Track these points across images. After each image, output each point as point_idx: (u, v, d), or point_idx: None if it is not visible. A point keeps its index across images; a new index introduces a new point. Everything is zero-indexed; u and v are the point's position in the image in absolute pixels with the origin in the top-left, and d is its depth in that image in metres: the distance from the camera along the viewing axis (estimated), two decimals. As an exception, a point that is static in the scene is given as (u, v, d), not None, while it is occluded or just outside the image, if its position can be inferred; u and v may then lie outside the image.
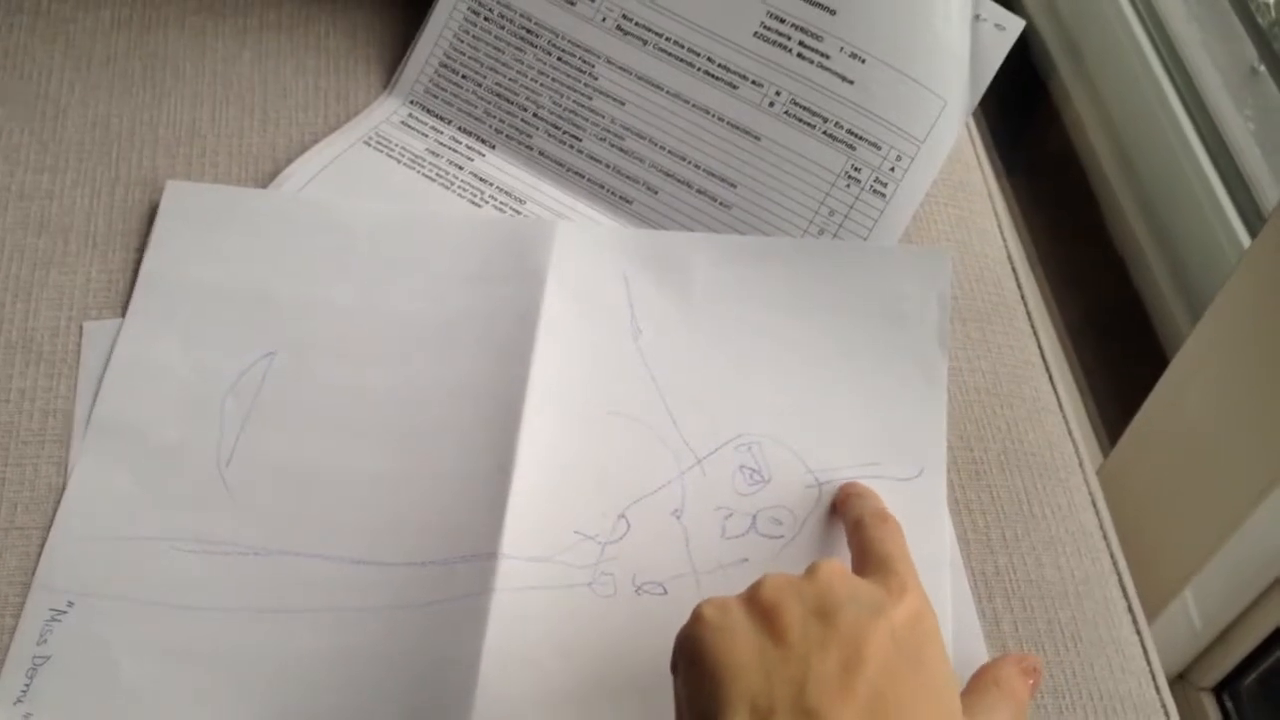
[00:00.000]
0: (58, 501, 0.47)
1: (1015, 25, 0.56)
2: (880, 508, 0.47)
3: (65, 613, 0.45)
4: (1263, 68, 0.89)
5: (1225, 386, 0.76)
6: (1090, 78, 1.04)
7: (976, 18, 0.56)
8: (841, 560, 0.41)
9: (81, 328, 0.51)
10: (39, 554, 0.46)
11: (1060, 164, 1.07)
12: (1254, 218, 0.86)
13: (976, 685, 0.43)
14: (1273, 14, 0.90)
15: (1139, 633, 0.51)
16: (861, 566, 0.42)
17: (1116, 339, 0.99)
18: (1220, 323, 0.76)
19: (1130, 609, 0.51)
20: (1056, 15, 1.08)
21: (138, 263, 0.53)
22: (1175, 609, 0.84)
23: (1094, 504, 0.53)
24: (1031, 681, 0.44)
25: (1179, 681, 0.86)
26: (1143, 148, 0.97)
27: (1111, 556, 0.52)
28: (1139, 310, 0.97)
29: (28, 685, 0.44)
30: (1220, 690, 0.86)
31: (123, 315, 0.52)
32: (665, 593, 0.47)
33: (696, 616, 0.39)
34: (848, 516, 0.47)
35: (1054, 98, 1.08)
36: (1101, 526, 0.53)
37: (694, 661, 0.38)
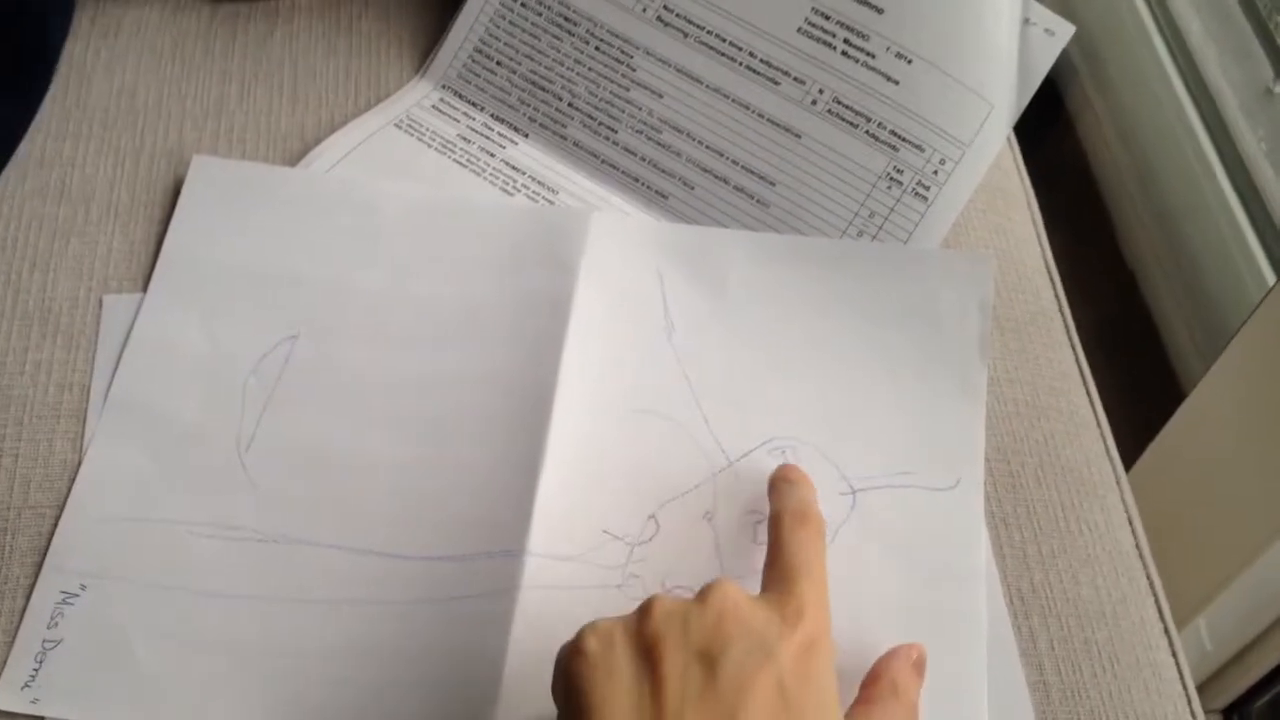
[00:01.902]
0: (72, 479, 0.46)
1: (1065, 31, 0.55)
2: (802, 504, 0.43)
3: (78, 596, 0.44)
4: (1279, 89, 0.88)
5: (1242, 424, 0.75)
6: (1108, 90, 1.03)
7: (1026, 21, 0.55)
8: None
9: (101, 300, 0.50)
10: (51, 534, 0.45)
11: (1074, 174, 1.06)
12: (1269, 234, 0.86)
13: (874, 693, 0.41)
14: (1292, 35, 0.89)
15: (1174, 655, 0.50)
16: (767, 572, 0.41)
17: (1125, 352, 0.98)
18: (1240, 361, 0.75)
19: (1166, 631, 0.50)
20: (1076, 25, 1.07)
21: (160, 235, 0.52)
22: (1187, 630, 0.83)
23: (1130, 522, 0.52)
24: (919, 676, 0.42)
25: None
26: (1158, 161, 0.97)
27: (1148, 577, 0.51)
28: (1148, 324, 0.96)
29: (36, 670, 0.42)
30: (1230, 713, 0.85)
31: (144, 289, 0.50)
32: (695, 597, 0.46)
33: (577, 649, 0.37)
34: (771, 508, 0.44)
35: (1069, 107, 1.08)
36: (1138, 546, 0.52)
37: (569, 697, 0.36)
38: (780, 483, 0.45)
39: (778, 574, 0.40)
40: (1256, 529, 0.76)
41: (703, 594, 0.37)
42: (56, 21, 0.54)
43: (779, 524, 0.42)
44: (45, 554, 0.44)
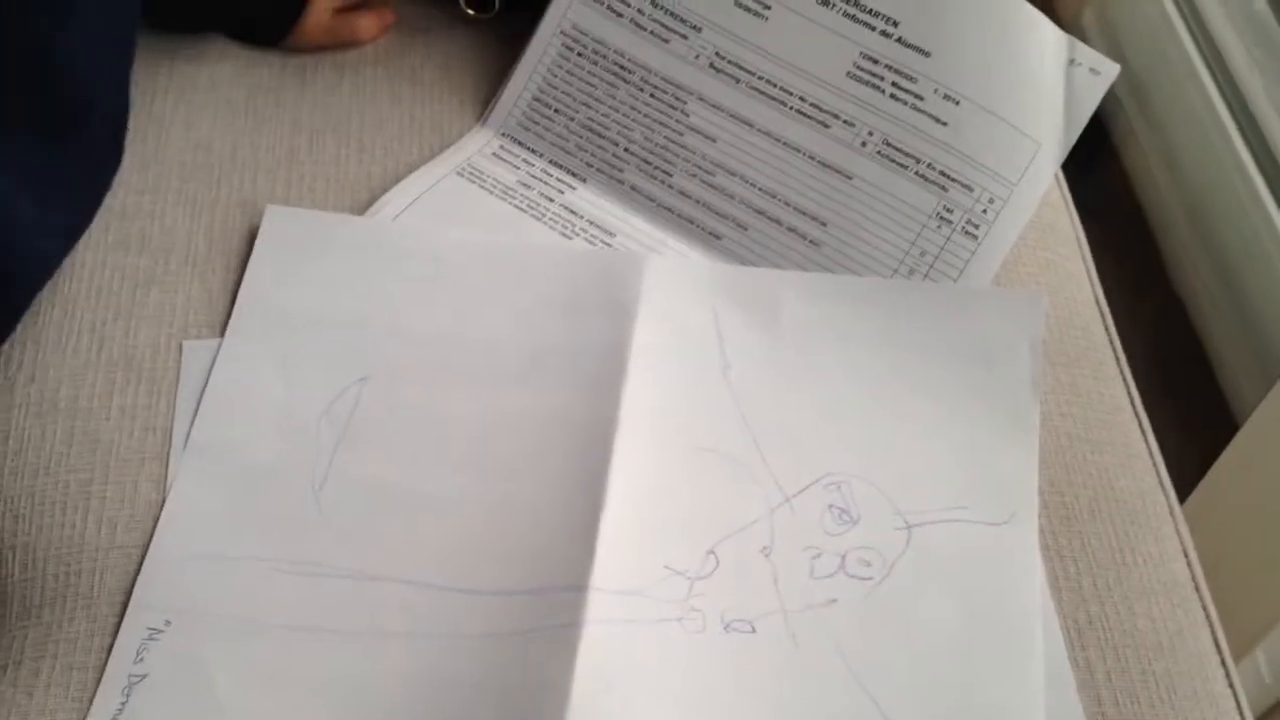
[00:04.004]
0: (156, 519, 0.48)
1: (1110, 70, 0.56)
2: None
3: (162, 631, 0.45)
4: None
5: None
6: (1154, 120, 1.04)
7: (1071, 62, 0.56)
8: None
9: (181, 346, 0.52)
10: (137, 573, 0.46)
11: (1122, 205, 1.06)
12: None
13: None
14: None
15: (1231, 686, 0.50)
16: None
17: (1178, 383, 0.98)
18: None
19: (1224, 662, 0.50)
20: (1122, 58, 1.08)
21: (236, 283, 0.54)
22: (1245, 662, 0.82)
23: (1185, 553, 0.53)
24: None
25: (1249, 737, 0.84)
26: (1206, 189, 0.97)
27: (1204, 608, 0.51)
28: (1199, 352, 0.96)
29: (124, 703, 0.44)
30: (1291, 746, 0.84)
31: (221, 335, 0.52)
32: (754, 631, 0.47)
33: None
34: None
35: (1116, 139, 1.08)
36: (1193, 577, 0.52)
37: None
38: None
39: None
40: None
41: None
42: (121, 110, 0.55)
43: None
44: (130, 592, 0.46)
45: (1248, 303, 0.93)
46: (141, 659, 0.45)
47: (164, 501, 0.48)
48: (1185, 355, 0.98)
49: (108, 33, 0.50)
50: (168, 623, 0.46)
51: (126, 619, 0.46)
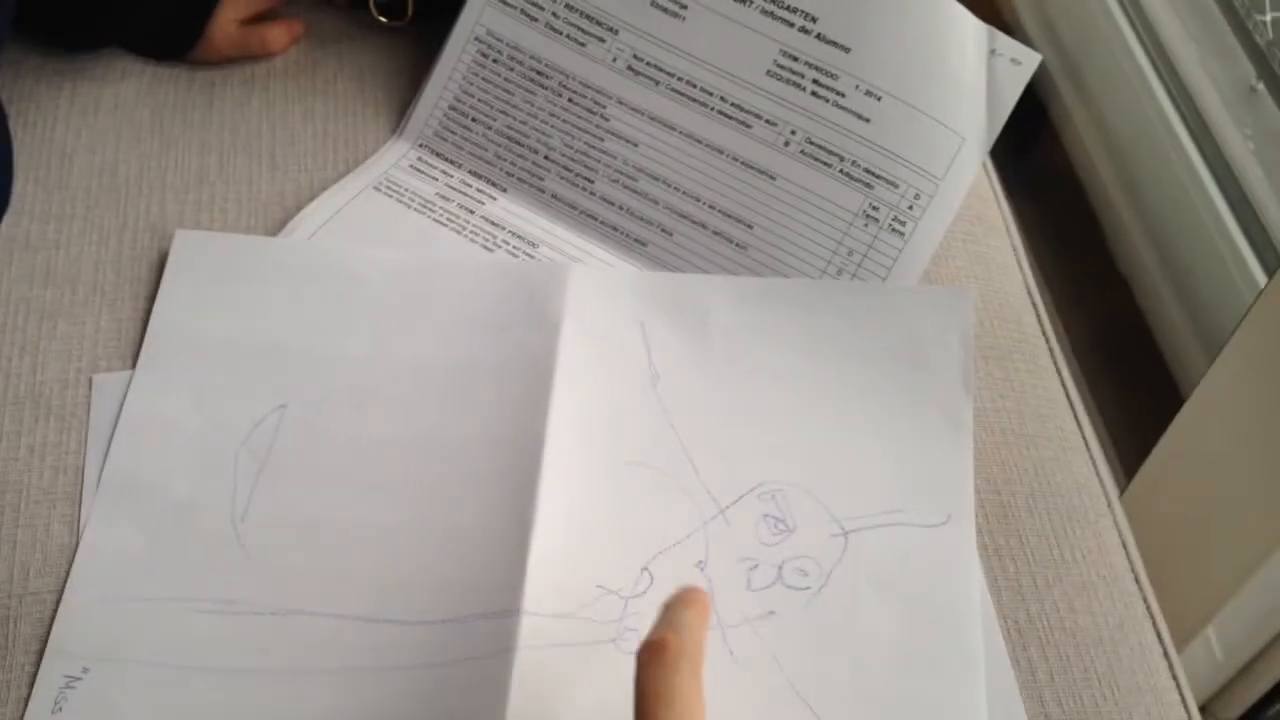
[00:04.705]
0: (71, 562, 0.46)
1: (1031, 60, 0.56)
2: (658, 638, 0.36)
3: (80, 679, 0.44)
4: (1261, 86, 0.89)
5: (1244, 425, 0.75)
6: (1090, 99, 1.04)
7: (992, 52, 0.56)
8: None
9: (91, 380, 0.50)
10: (53, 619, 0.45)
11: (1061, 186, 1.06)
12: (1258, 235, 0.86)
13: None
14: (1270, 33, 0.89)
15: (1175, 678, 0.50)
16: None
17: (1122, 359, 0.98)
18: (1237, 363, 0.75)
19: (1166, 653, 0.50)
20: (1056, 38, 1.07)
21: (147, 312, 0.52)
22: (1197, 641, 0.83)
23: (1124, 545, 0.52)
24: None
25: (1202, 714, 0.85)
26: (1144, 167, 0.97)
27: (1144, 600, 0.51)
28: (1143, 329, 0.97)
29: (42, 757, 0.43)
30: (1244, 722, 0.85)
31: (133, 367, 0.51)
32: (691, 647, 0.46)
33: None
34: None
35: (1054, 119, 1.08)
36: (1133, 569, 0.52)
37: None
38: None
39: None
40: (1263, 532, 0.76)
41: None
42: None
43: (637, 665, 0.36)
44: (46, 640, 0.45)
45: (1188, 277, 0.93)
46: (60, 709, 0.44)
47: (78, 544, 0.47)
48: (1131, 335, 0.98)
49: None
50: (85, 670, 0.44)
51: (43, 668, 0.44)
